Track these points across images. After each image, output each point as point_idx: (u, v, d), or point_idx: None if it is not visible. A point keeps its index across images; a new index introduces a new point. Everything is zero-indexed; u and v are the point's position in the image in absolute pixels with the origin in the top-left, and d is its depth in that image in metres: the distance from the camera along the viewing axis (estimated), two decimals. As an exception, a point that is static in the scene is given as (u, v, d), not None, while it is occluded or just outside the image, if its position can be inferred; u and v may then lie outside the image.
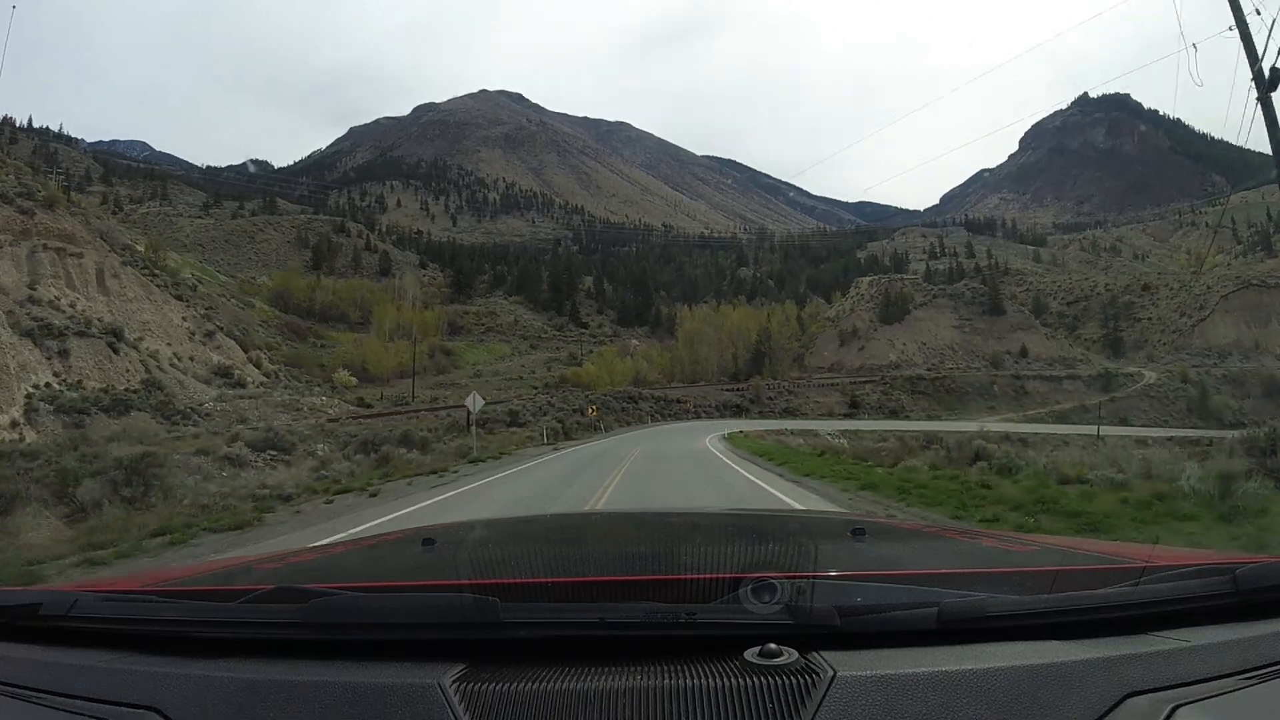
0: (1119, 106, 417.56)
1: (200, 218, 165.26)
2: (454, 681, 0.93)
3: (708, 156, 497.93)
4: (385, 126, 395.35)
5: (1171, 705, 0.87)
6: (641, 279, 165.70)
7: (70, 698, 1.00)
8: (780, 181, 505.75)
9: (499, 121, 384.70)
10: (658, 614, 1.03)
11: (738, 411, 76.42)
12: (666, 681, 0.91)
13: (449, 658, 1.00)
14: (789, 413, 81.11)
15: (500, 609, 1.02)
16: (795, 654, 0.95)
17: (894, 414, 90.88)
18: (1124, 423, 78.82)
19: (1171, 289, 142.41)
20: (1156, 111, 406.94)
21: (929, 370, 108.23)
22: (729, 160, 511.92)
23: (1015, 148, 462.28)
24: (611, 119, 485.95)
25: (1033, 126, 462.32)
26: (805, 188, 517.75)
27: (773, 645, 0.96)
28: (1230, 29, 11.90)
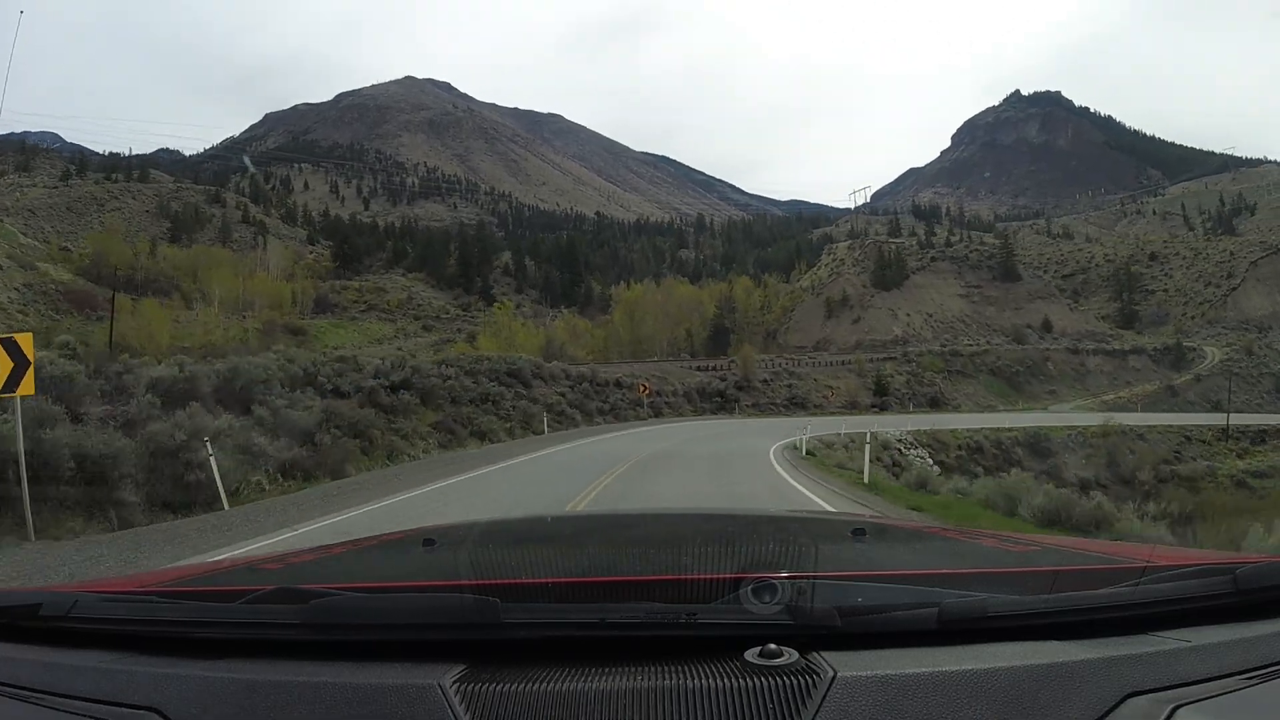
0: (1051, 103, 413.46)
1: (54, 187, 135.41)
2: (454, 682, 0.91)
3: (644, 153, 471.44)
4: (302, 112, 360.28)
5: (1172, 705, 0.85)
6: (570, 255, 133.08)
7: (70, 698, 0.98)
8: (714, 179, 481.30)
9: (423, 107, 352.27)
10: (658, 614, 1.01)
11: (722, 403, 44.34)
12: (667, 682, 0.89)
13: (449, 658, 0.97)
14: (797, 404, 50.07)
15: (500, 609, 1.00)
16: (796, 654, 0.93)
17: (935, 404, 61.21)
18: (1218, 408, 62.08)
19: (1184, 258, 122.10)
20: (1088, 109, 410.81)
21: (969, 345, 78.20)
22: (664, 157, 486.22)
23: (947, 144, 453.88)
24: (543, 110, 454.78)
25: (965, 123, 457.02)
26: (739, 185, 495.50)
27: (773, 645, 0.94)
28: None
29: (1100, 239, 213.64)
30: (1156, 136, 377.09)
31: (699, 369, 50.02)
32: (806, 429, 23.68)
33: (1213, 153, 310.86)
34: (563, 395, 30.01)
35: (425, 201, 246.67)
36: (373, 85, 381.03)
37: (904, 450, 32.48)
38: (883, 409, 54.72)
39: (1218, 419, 55.94)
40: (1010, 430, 44.03)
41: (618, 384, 36.45)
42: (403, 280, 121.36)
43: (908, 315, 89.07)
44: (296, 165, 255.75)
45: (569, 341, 55.35)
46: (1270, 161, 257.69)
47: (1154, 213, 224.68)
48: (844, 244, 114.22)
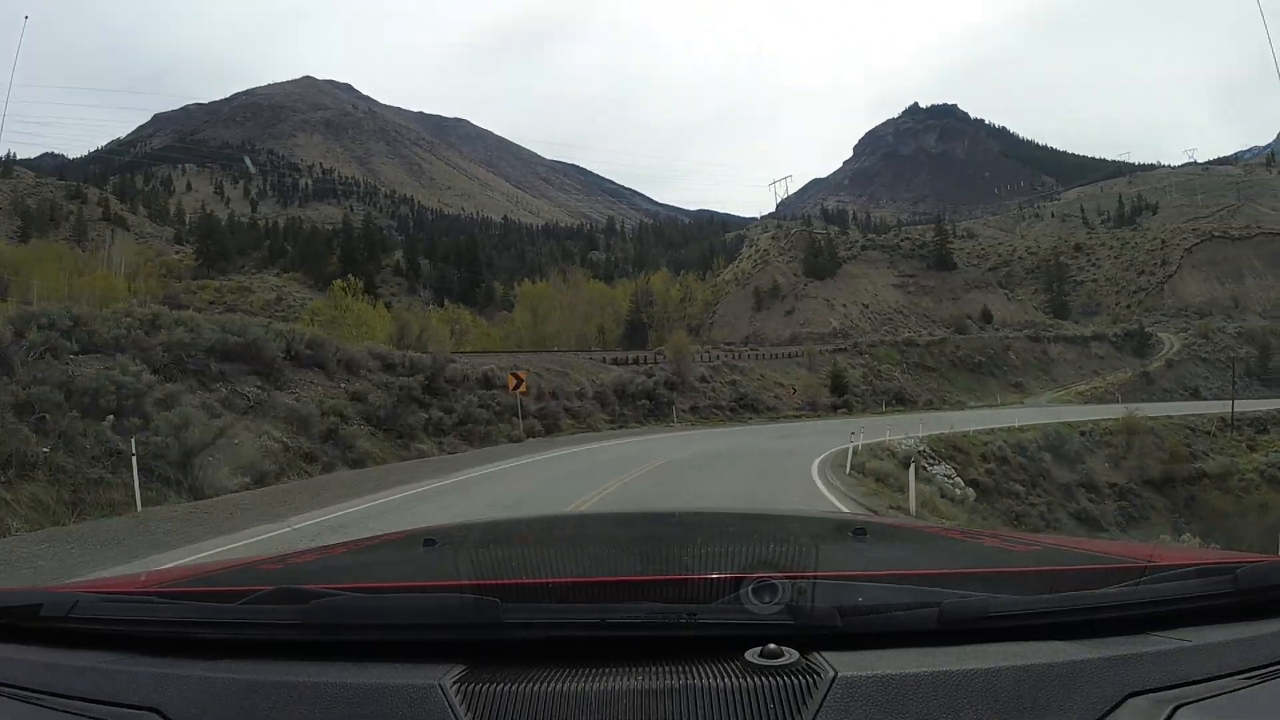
0: (948, 115, 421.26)
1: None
2: (455, 682, 0.90)
3: (555, 161, 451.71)
4: (192, 112, 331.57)
5: (1173, 705, 0.84)
6: (470, 254, 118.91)
7: (70, 698, 0.97)
8: (625, 188, 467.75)
9: (322, 107, 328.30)
10: (658, 614, 0.99)
11: (651, 407, 31.13)
12: (667, 682, 0.88)
13: (450, 658, 0.95)
14: (746, 405, 38.09)
15: (501, 609, 0.98)
16: (796, 654, 0.91)
17: (900, 400, 49.39)
18: (1196, 394, 61.84)
19: (1111, 248, 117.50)
20: (983, 120, 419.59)
21: (926, 335, 67.85)
22: (575, 165, 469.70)
23: (850, 154, 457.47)
24: (450, 115, 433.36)
25: (866, 134, 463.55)
26: (650, 195, 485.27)
27: (773, 645, 0.92)
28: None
29: (1002, 240, 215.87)
30: (1049, 146, 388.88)
31: (616, 362, 36.74)
32: (814, 461, 16.07)
33: (1105, 160, 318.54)
34: (355, 398, 16.14)
35: (319, 204, 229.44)
36: (269, 85, 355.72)
37: (928, 466, 21.82)
38: (845, 408, 42.75)
39: (1212, 408, 49.46)
40: (1022, 431, 32.99)
41: (485, 381, 22.70)
42: (274, 280, 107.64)
43: (844, 306, 78.43)
44: (180, 166, 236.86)
45: (440, 333, 41.06)
46: (1164, 166, 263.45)
47: (1052, 215, 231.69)
48: (766, 235, 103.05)
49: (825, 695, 0.84)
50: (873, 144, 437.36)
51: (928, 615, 0.97)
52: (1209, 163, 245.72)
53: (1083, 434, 36.46)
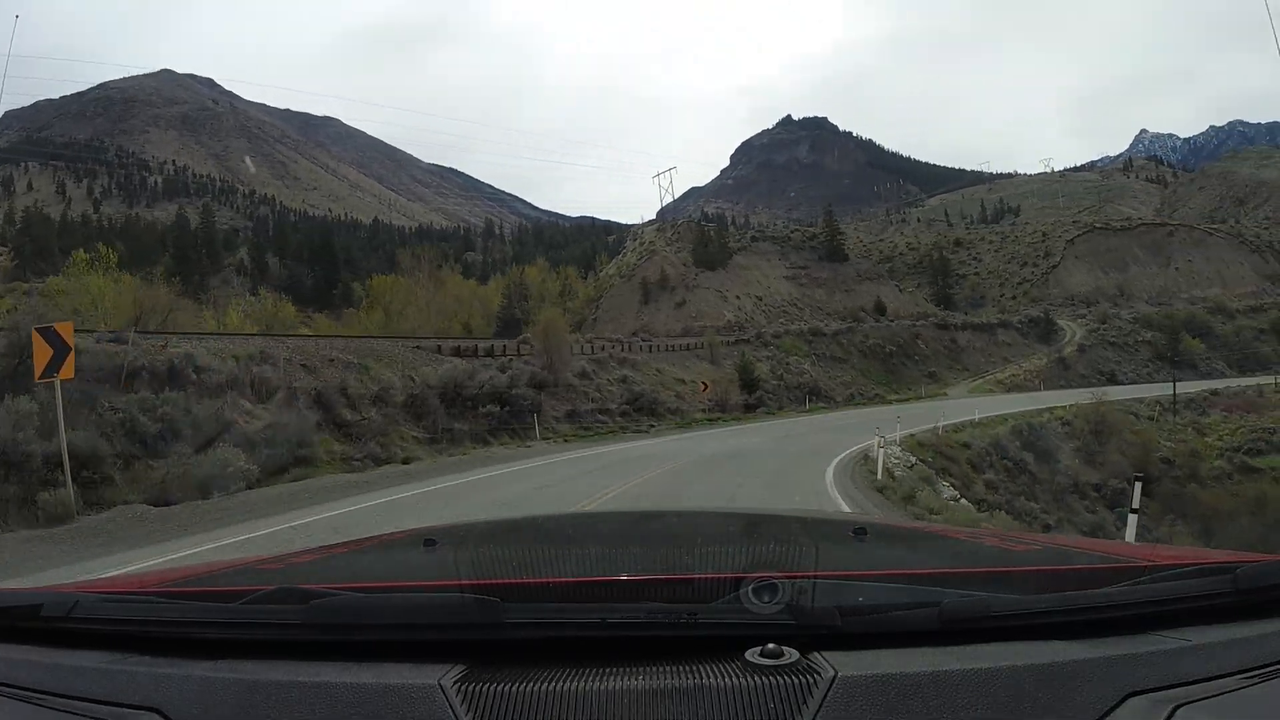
0: (819, 127, 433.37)
1: None
2: (455, 682, 0.88)
3: (433, 164, 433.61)
4: (42, 108, 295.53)
5: (1173, 705, 0.83)
6: (326, 252, 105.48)
7: (71, 699, 0.95)
8: (505, 193, 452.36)
9: (178, 101, 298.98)
10: (659, 614, 0.98)
11: (506, 416, 20.83)
12: (667, 682, 0.87)
13: (450, 658, 0.94)
14: (642, 408, 28.87)
15: (501, 609, 0.97)
16: (796, 654, 0.90)
17: (816, 395, 41.13)
18: (1112, 379, 58.24)
19: (991, 243, 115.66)
20: (851, 133, 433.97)
21: (832, 325, 60.69)
22: (454, 169, 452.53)
23: (726, 163, 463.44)
24: (319, 113, 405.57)
25: (742, 144, 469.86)
26: (531, 200, 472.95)
27: (774, 645, 0.91)
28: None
29: (875, 243, 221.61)
30: (912, 157, 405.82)
31: (459, 353, 26.39)
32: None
33: (965, 170, 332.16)
34: None
35: (168, 202, 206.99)
36: (126, 79, 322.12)
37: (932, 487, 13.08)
38: (760, 407, 34.37)
39: (1141, 391, 46.39)
40: (991, 427, 25.53)
41: (171, 375, 12.39)
42: (99, 281, 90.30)
43: (738, 298, 70.63)
44: (24, 164, 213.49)
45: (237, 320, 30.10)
46: (1020, 174, 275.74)
47: (918, 220, 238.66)
48: (651, 227, 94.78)
49: (826, 695, 0.83)
50: (748, 153, 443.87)
51: (928, 615, 0.96)
52: (1065, 170, 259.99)
53: (1047, 423, 29.86)
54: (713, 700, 0.84)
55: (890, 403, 40.66)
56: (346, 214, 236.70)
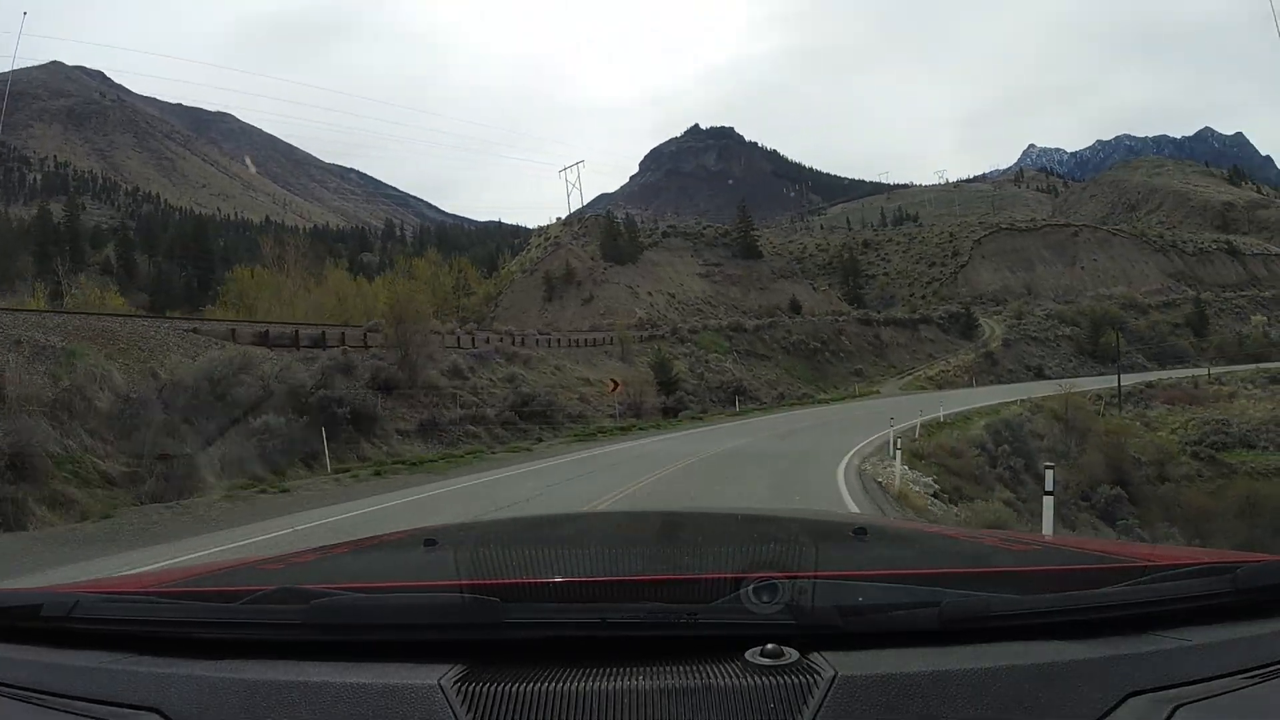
0: (726, 137, 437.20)
1: None
2: (455, 682, 0.88)
3: (334, 164, 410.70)
4: None
5: (1173, 705, 0.82)
6: (201, 249, 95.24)
7: (71, 698, 0.94)
8: (410, 195, 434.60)
9: (65, 94, 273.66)
10: (659, 614, 0.97)
11: (305, 434, 12.72)
12: (667, 682, 0.86)
13: (450, 658, 0.93)
14: (533, 415, 21.79)
15: (501, 609, 0.96)
16: (796, 654, 0.89)
17: (741, 394, 35.65)
18: (1040, 374, 55.45)
19: (898, 244, 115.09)
20: (756, 143, 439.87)
21: (753, 320, 55.59)
22: (356, 170, 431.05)
23: (636, 170, 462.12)
24: (212, 109, 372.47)
25: (651, 151, 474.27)
26: (436, 204, 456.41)
27: (774, 645, 0.90)
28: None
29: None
30: (814, 168, 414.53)
31: (265, 340, 19.17)
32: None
33: (865, 180, 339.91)
34: None
35: (48, 200, 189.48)
36: (13, 70, 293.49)
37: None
38: (683, 410, 28.36)
39: (1080, 385, 41.21)
40: (965, 428, 20.48)
41: None
42: None
43: (649, 294, 65.01)
44: None
45: None
46: (917, 185, 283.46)
47: (820, 227, 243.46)
48: (556, 223, 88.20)
49: (826, 695, 0.82)
50: (657, 160, 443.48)
51: (928, 615, 0.95)
52: (959, 181, 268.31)
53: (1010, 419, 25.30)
54: (713, 700, 0.83)
55: (823, 403, 35.65)
56: (237, 213, 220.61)
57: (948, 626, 0.94)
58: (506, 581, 1.18)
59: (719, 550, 1.53)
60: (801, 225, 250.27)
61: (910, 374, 53.36)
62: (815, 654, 0.89)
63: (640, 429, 23.44)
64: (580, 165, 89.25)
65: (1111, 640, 0.93)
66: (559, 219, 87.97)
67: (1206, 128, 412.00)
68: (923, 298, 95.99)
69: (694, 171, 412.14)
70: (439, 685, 0.87)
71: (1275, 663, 0.89)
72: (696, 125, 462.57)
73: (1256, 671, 0.88)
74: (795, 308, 73.06)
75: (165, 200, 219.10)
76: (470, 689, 0.86)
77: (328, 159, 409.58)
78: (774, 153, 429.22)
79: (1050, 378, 53.64)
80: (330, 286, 57.57)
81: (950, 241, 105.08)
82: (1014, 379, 53.60)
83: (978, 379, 51.72)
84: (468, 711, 0.84)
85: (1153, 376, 49.85)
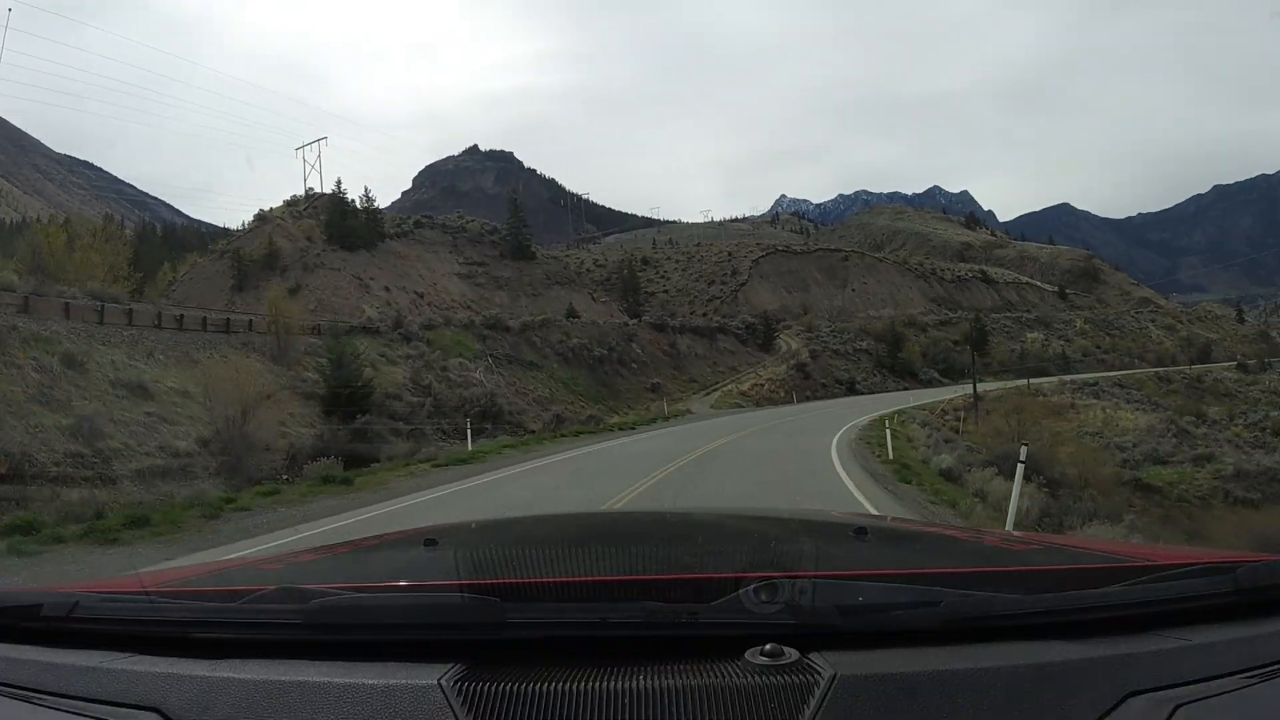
0: (506, 160, 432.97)
1: None
2: (455, 681, 0.86)
3: (66, 154, 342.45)
4: None
5: (1173, 704, 0.81)
6: None
7: (71, 698, 0.92)
8: (152, 196, 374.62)
9: None
10: (659, 614, 0.94)
11: None
12: (667, 682, 0.84)
13: (450, 658, 0.91)
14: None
15: (501, 609, 0.94)
16: (796, 654, 0.87)
17: (493, 419, 20.22)
18: (853, 388, 50.83)
19: (678, 262, 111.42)
20: (535, 170, 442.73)
21: (528, 316, 41.32)
22: (90, 163, 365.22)
23: (409, 186, 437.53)
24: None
25: (426, 168, 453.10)
26: (181, 208, 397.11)
27: (774, 645, 0.88)
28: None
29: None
30: (591, 199, 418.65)
31: None
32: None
33: (637, 215, 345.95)
34: None
35: None
36: None
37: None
38: (365, 459, 13.63)
39: (906, 398, 39.56)
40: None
41: None
42: None
43: (388, 290, 49.06)
44: None
45: None
46: (684, 221, 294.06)
47: (608, 260, 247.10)
48: (279, 205, 68.76)
49: (826, 695, 0.81)
50: (433, 178, 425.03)
51: (928, 615, 0.93)
52: (723, 220, 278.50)
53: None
54: (713, 700, 0.81)
55: (622, 430, 22.37)
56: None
57: (948, 626, 0.92)
58: (506, 581, 1.15)
59: (719, 550, 1.49)
60: (578, 251, 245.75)
61: (716, 388, 43.00)
62: (815, 654, 0.87)
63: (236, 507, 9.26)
64: (323, 142, 68.87)
65: (1111, 640, 0.91)
66: (285, 201, 68.50)
67: (935, 186, 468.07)
68: (703, 315, 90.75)
69: (470, 192, 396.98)
70: (439, 685, 0.85)
71: (1275, 663, 0.88)
72: (476, 146, 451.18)
73: (1256, 671, 0.86)
74: (572, 317, 60.86)
75: None
76: (470, 689, 0.84)
77: (60, 148, 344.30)
78: (553, 181, 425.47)
79: (862, 392, 49.91)
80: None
81: (729, 260, 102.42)
82: (829, 394, 46.78)
83: (796, 393, 42.47)
84: (468, 711, 0.82)
85: (956, 391, 44.83)
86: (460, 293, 59.16)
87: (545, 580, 1.17)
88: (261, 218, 53.54)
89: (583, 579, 1.17)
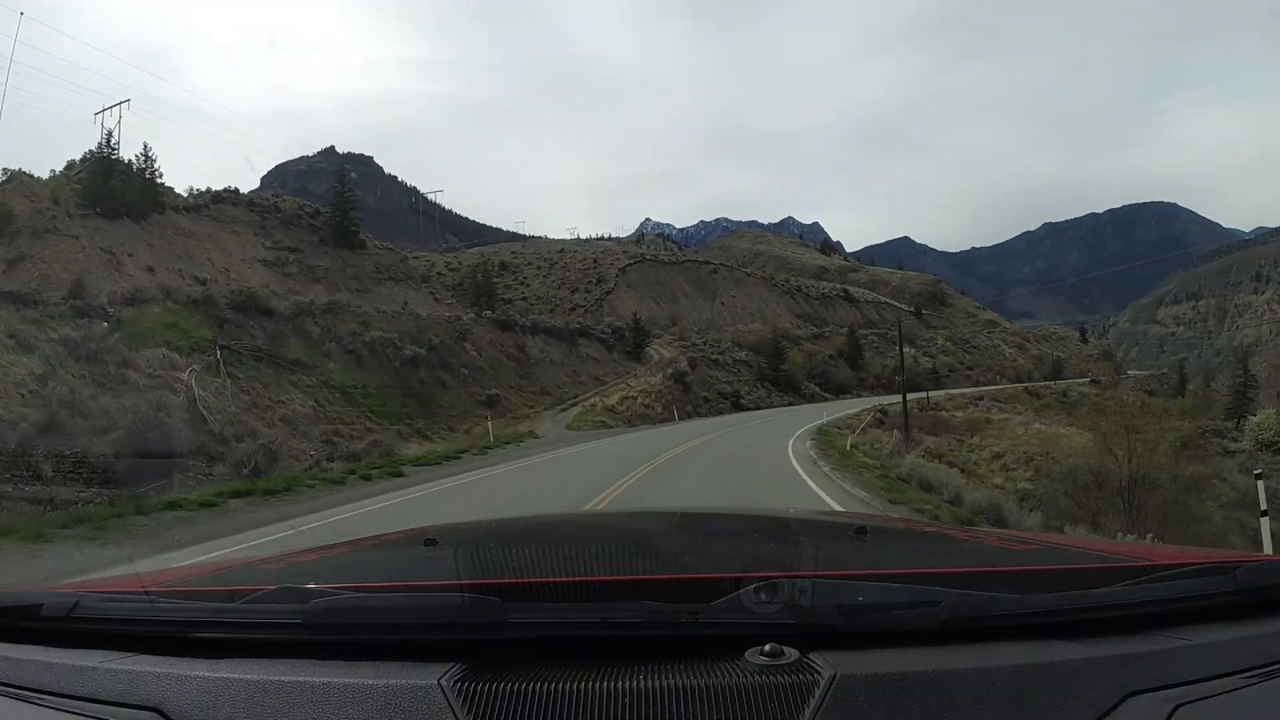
0: (365, 164, 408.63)
1: None
2: (454, 681, 0.84)
3: None
4: None
5: (1172, 704, 0.80)
6: None
7: (72, 698, 0.91)
8: None
9: None
10: (659, 614, 0.93)
11: None
12: (667, 682, 0.83)
13: (450, 658, 0.90)
14: None
15: (501, 609, 0.93)
16: (796, 654, 0.86)
17: (165, 455, 9.99)
18: (739, 403, 46.17)
19: (539, 268, 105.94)
20: (396, 176, 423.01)
21: (297, 296, 31.15)
22: None
23: (257, 184, 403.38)
24: None
25: (276, 166, 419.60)
26: None
27: (774, 645, 0.87)
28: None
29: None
30: (453, 210, 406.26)
31: None
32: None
33: (501, 229, 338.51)
34: None
35: None
36: None
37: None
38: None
39: (806, 414, 35.26)
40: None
41: None
42: None
43: (150, 269, 37.37)
44: None
45: None
46: (549, 237, 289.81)
47: (462, 264, 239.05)
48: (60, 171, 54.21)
49: (826, 695, 0.80)
50: (283, 178, 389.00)
51: (929, 614, 0.92)
52: (589, 238, 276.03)
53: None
54: (713, 700, 0.80)
55: (397, 469, 13.45)
56: None
57: (948, 626, 0.91)
58: (506, 581, 1.15)
59: (719, 550, 1.47)
60: (430, 253, 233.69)
61: (576, 402, 34.41)
62: (815, 654, 0.86)
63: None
64: (125, 105, 53.06)
65: (1111, 640, 0.90)
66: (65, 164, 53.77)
67: (790, 216, 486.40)
68: (566, 323, 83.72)
69: (324, 193, 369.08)
70: (439, 685, 0.83)
71: (1275, 663, 0.87)
72: (333, 147, 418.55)
73: (1256, 671, 0.85)
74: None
75: None
76: (470, 688, 0.83)
77: None
78: (414, 189, 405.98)
79: (748, 407, 44.47)
80: None
81: (595, 268, 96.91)
82: (713, 409, 40.41)
83: (676, 409, 35.06)
84: (468, 711, 0.80)
85: (856, 405, 41.29)
86: (262, 280, 47.52)
87: (545, 580, 1.15)
88: (12, 177, 40.02)
89: (583, 579, 1.16)
